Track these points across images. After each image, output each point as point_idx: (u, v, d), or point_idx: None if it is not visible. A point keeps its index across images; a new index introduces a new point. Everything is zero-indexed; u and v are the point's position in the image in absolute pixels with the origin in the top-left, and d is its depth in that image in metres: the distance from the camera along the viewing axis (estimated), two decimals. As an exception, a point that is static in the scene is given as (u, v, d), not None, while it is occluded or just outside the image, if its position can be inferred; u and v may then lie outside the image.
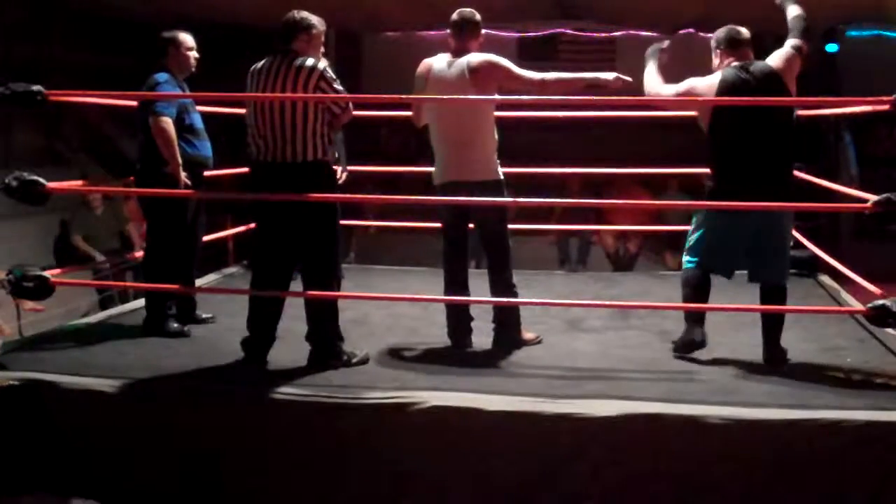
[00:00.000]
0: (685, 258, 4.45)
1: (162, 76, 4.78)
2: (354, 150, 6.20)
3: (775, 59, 4.28)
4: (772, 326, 4.26)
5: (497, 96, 4.48)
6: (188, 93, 4.92)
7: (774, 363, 4.23)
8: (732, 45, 4.34)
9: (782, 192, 4.20)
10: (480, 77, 4.39)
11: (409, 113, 4.72)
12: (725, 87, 4.23)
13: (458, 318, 4.57)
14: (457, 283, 4.62)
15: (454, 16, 4.51)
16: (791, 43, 4.31)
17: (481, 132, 4.46)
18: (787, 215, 4.37)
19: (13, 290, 4.47)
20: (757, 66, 4.26)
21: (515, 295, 4.61)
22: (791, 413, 3.54)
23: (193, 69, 4.96)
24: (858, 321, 4.86)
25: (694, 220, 4.46)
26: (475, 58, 4.43)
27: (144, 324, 4.84)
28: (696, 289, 4.34)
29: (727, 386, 3.92)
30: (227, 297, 5.36)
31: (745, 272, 4.39)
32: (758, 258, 4.29)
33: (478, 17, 4.52)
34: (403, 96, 4.49)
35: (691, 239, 4.43)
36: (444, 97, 4.44)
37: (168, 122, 4.65)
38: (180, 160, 4.68)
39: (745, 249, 4.28)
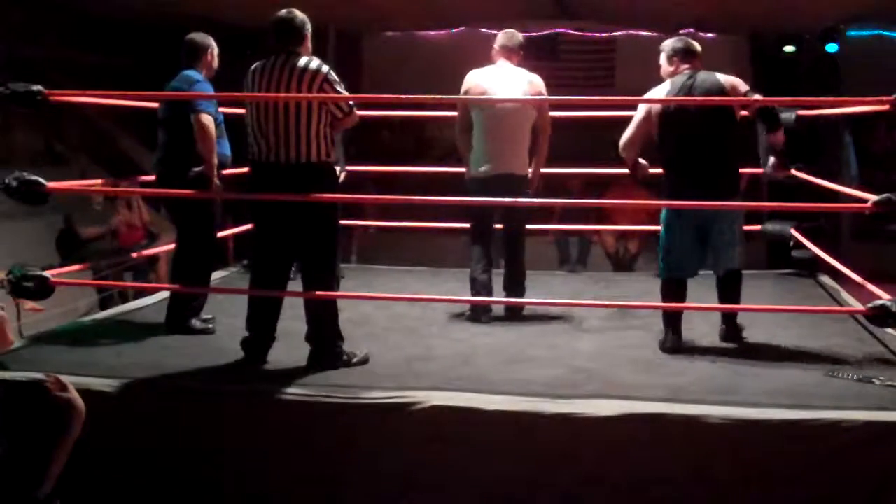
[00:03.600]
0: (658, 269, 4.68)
1: (197, 75, 4.73)
2: (354, 150, 6.22)
3: (727, 74, 4.48)
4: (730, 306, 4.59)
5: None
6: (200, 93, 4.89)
7: (733, 340, 4.56)
8: (686, 56, 4.55)
9: (727, 190, 4.40)
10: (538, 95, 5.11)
11: (409, 113, 4.74)
12: (675, 92, 4.47)
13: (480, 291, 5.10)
14: (485, 258, 5.13)
15: (506, 37, 5.24)
16: None
17: (528, 133, 5.14)
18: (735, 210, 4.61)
19: (13, 290, 4.47)
20: (704, 77, 4.45)
21: (524, 287, 5.07)
22: (791, 413, 3.54)
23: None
24: (858, 321, 4.87)
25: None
26: (539, 81, 5.18)
27: (167, 321, 4.83)
28: (668, 296, 4.55)
29: (727, 386, 3.92)
30: (227, 297, 5.35)
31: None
32: (715, 251, 4.50)
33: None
34: (403, 96, 4.49)
35: (659, 249, 4.64)
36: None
37: (211, 120, 4.57)
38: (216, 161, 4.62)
39: (703, 246, 4.49)
